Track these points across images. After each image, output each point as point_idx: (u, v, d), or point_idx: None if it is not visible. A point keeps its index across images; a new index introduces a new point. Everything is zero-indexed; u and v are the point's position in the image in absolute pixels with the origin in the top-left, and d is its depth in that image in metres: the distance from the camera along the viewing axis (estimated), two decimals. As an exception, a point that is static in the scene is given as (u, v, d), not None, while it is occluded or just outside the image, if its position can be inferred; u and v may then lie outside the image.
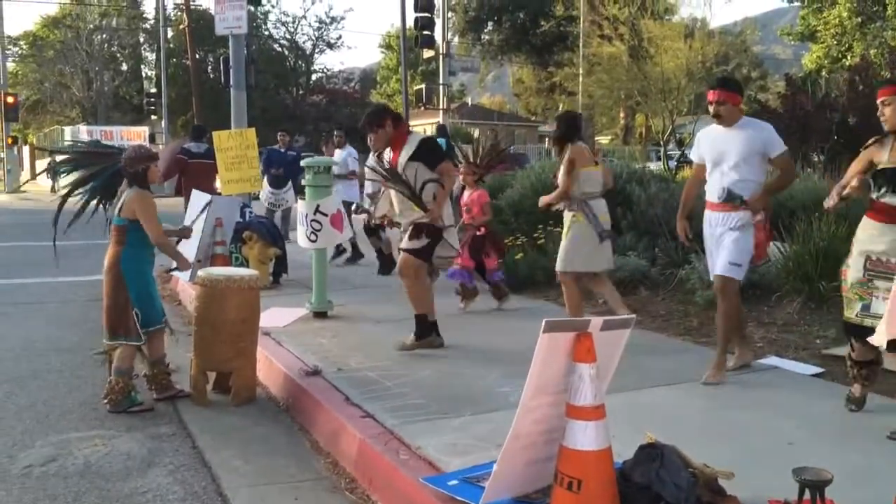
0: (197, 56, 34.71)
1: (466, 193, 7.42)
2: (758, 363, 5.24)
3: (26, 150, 41.14)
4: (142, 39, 48.36)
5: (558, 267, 6.07)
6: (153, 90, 39.65)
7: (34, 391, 5.32)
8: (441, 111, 25.88)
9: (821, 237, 6.45)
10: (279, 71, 44.69)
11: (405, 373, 5.14)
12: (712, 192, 4.97)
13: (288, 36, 47.34)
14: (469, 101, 59.00)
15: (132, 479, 3.89)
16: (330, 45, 48.28)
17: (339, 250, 10.37)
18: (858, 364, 4.27)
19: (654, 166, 19.07)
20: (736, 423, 4.17)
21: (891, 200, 4.09)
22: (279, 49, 47.17)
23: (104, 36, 46.92)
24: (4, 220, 18.95)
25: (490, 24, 46.03)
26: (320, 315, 7.05)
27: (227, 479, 3.90)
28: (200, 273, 5.22)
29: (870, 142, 4.28)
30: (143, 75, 48.61)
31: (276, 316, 6.88)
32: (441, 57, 25.94)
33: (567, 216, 6.08)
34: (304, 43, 47.68)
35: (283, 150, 12.17)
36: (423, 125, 40.61)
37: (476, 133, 31.66)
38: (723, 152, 4.92)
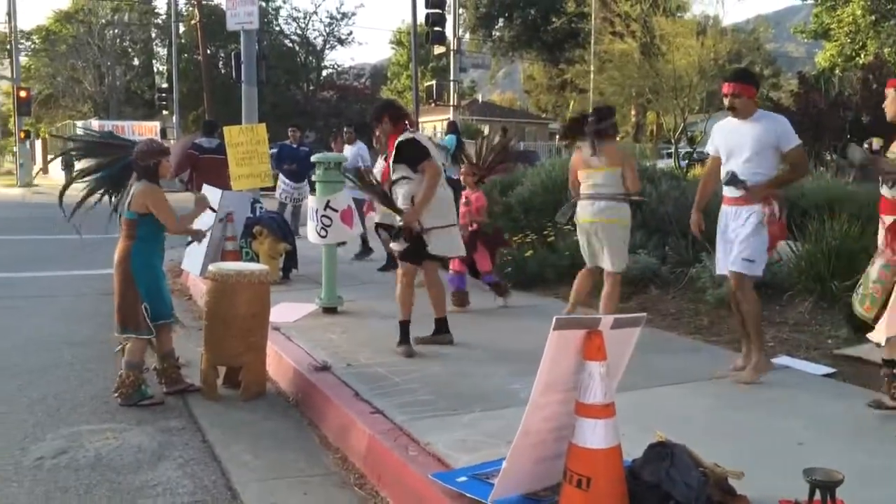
0: (208, 51, 34.78)
1: (466, 193, 7.39)
2: (769, 363, 5.21)
3: (39, 143, 41.36)
4: (153, 34, 48.52)
5: (620, 268, 5.90)
6: (164, 85, 39.81)
7: (46, 384, 5.35)
8: (451, 108, 25.86)
9: (833, 236, 6.42)
10: (290, 67, 44.73)
11: (415, 369, 5.14)
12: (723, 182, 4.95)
13: (299, 31, 47.39)
14: (480, 97, 58.89)
15: (142, 473, 3.91)
16: (341, 41, 48.29)
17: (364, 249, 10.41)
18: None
19: (664, 164, 18.98)
20: (746, 422, 4.15)
21: (883, 192, 4.12)
22: (290, 45, 47.22)
23: (116, 31, 47.11)
24: (17, 214, 19.05)
25: (501, 20, 45.97)
26: (330, 311, 7.06)
27: (236, 474, 3.91)
28: (211, 268, 5.24)
29: None
30: (155, 70, 48.79)
31: (285, 311, 6.89)
32: (452, 53, 25.91)
33: (618, 212, 5.86)
34: (314, 39, 47.73)
35: (294, 145, 12.20)
36: (433, 122, 40.64)
37: (486, 130, 31.62)
38: (737, 145, 4.91)
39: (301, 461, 4.10)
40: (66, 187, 5.50)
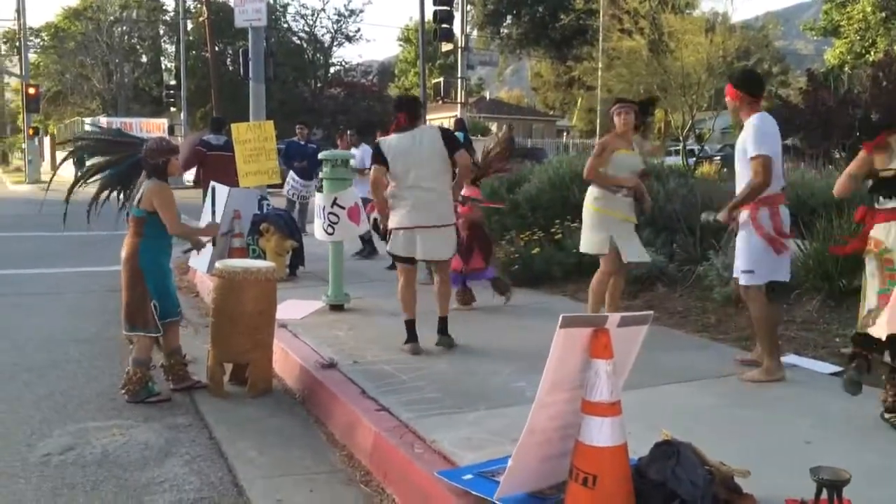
0: (216, 48, 34.87)
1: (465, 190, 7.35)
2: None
3: (47, 140, 41.50)
4: (161, 31, 48.67)
5: (640, 258, 6.02)
6: (172, 82, 39.86)
7: (52, 381, 5.37)
8: (459, 105, 25.85)
9: (841, 235, 6.39)
10: (298, 64, 44.81)
11: (421, 366, 5.14)
12: None
13: (307, 28, 47.46)
14: (487, 95, 58.89)
15: (149, 469, 3.92)
16: (348, 38, 48.35)
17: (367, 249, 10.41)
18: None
19: (671, 161, 18.95)
20: (753, 420, 4.14)
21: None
22: (298, 42, 47.30)
23: (124, 28, 47.27)
24: (26, 211, 19.12)
25: (509, 17, 45.91)
26: (336, 308, 7.06)
27: (242, 471, 3.92)
28: (218, 265, 5.25)
29: None
30: (163, 67, 48.90)
31: (292, 308, 6.90)
32: (459, 50, 25.90)
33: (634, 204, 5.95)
34: (322, 36, 47.79)
35: (302, 142, 12.21)
36: (441, 119, 40.60)
37: (494, 127, 31.59)
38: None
39: (307, 458, 4.10)
40: (74, 185, 5.52)
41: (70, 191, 5.48)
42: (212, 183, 8.07)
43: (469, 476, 3.28)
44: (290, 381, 5.37)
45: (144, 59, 49.19)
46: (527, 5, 43.73)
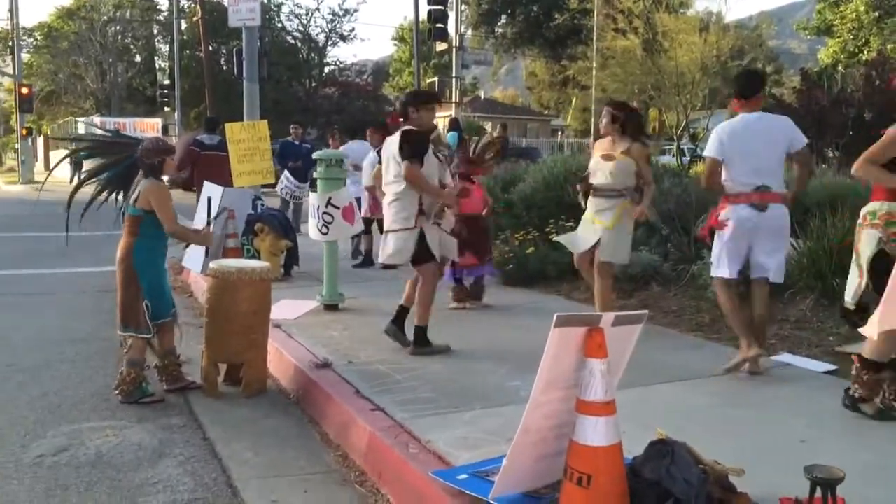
0: (210, 48, 34.75)
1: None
2: (770, 360, 5.21)
3: (41, 140, 41.36)
4: (155, 31, 48.57)
5: (606, 257, 5.87)
6: (166, 82, 39.86)
7: (47, 381, 5.35)
8: (453, 104, 25.85)
9: (835, 234, 6.40)
10: (292, 63, 44.68)
11: (416, 366, 5.14)
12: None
13: (301, 28, 47.32)
14: (482, 94, 58.90)
15: (143, 470, 3.91)
16: (343, 38, 48.23)
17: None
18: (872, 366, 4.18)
19: (665, 160, 18.98)
20: (747, 419, 4.14)
21: None
22: (292, 41, 47.17)
23: (118, 27, 47.13)
24: (19, 211, 19.06)
25: (503, 17, 45.92)
26: (331, 308, 7.06)
27: (237, 471, 3.91)
28: (212, 265, 5.23)
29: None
30: (157, 67, 48.82)
31: (287, 308, 6.89)
32: (454, 50, 25.93)
33: (617, 207, 5.84)
34: (317, 35, 47.65)
35: (296, 142, 12.19)
36: (435, 118, 40.53)
37: (489, 126, 31.58)
38: None
39: (302, 459, 4.09)
40: (76, 190, 5.48)
41: (71, 198, 5.43)
42: (205, 182, 8.04)
43: (464, 476, 3.28)
44: (284, 381, 5.36)
45: (138, 58, 49.02)
46: (521, 5, 43.76)
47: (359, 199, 8.60)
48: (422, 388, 4.68)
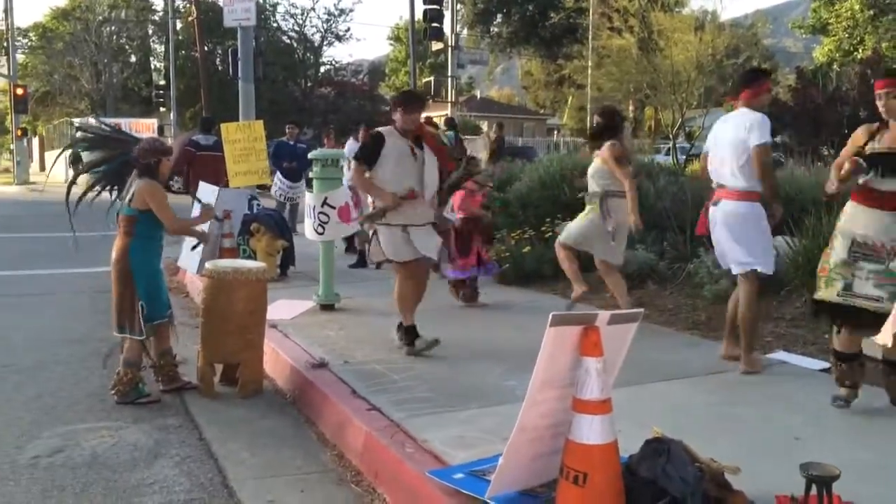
0: (206, 48, 34.68)
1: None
2: (766, 358, 5.22)
3: (36, 141, 41.26)
4: (150, 31, 48.42)
5: (561, 238, 6.28)
6: (162, 82, 39.75)
7: (42, 382, 5.34)
8: (449, 104, 25.87)
9: (830, 232, 6.39)
10: (287, 63, 44.61)
11: (411, 366, 5.14)
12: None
13: (296, 28, 47.22)
14: (478, 93, 58.87)
15: (139, 470, 3.90)
16: (339, 38, 48.12)
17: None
18: (841, 359, 4.22)
19: (661, 159, 19.00)
20: (743, 417, 4.15)
21: (878, 185, 4.12)
22: (287, 41, 47.08)
23: (113, 28, 47.02)
24: (15, 212, 19.03)
25: (499, 16, 45.92)
26: (327, 307, 7.05)
27: (233, 471, 3.90)
28: (208, 265, 5.23)
29: (858, 130, 4.32)
30: (152, 67, 48.65)
31: (283, 308, 6.89)
32: (450, 49, 25.94)
33: (591, 209, 6.18)
34: (312, 35, 47.54)
35: (291, 142, 12.16)
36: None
37: (485, 126, 31.59)
38: None
39: (298, 458, 4.09)
40: (73, 181, 5.48)
41: (68, 191, 5.43)
42: (200, 182, 8.05)
43: (460, 475, 3.28)
44: (280, 381, 5.36)
45: (133, 59, 48.92)
46: (517, 4, 43.75)
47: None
48: (418, 387, 4.68)
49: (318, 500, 3.64)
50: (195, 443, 4.29)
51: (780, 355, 5.30)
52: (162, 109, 39.04)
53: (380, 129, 5.51)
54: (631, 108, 37.49)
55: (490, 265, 7.44)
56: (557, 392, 2.85)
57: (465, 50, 31.32)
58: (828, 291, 4.19)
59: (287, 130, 12.40)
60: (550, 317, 2.70)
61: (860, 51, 27.23)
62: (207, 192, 7.68)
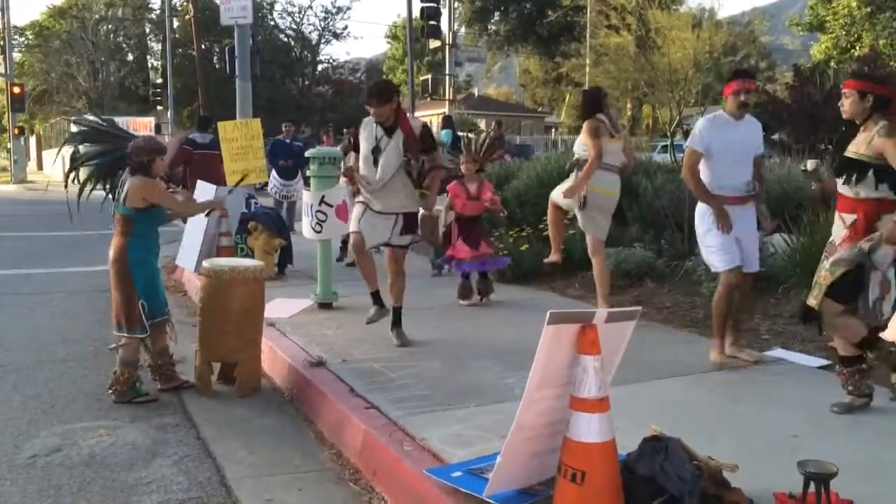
0: (203, 46, 34.64)
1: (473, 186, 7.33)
2: (764, 355, 5.23)
3: (33, 140, 41.18)
4: (147, 30, 48.38)
5: (552, 194, 6.63)
6: (159, 80, 39.73)
7: (40, 381, 5.33)
8: (447, 102, 25.85)
9: (828, 229, 6.40)
10: (285, 61, 44.56)
11: (410, 364, 5.13)
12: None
13: (294, 26, 47.17)
14: (475, 91, 58.83)
15: (136, 470, 3.90)
16: (336, 36, 48.07)
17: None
18: (846, 363, 4.20)
19: (658, 157, 19.00)
20: (741, 415, 4.15)
21: (840, 189, 4.25)
22: (285, 39, 47.02)
23: (110, 26, 46.97)
24: (12, 211, 19.00)
25: (497, 14, 45.90)
26: (325, 306, 7.05)
27: (231, 470, 3.90)
28: (205, 264, 5.22)
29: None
30: (149, 66, 48.65)
31: (280, 307, 6.88)
32: (447, 47, 25.91)
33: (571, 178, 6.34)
34: (309, 33, 47.49)
35: (288, 140, 12.16)
36: (429, 116, 40.63)
37: (482, 123, 31.60)
38: None
39: (296, 457, 4.09)
40: (70, 171, 5.48)
41: (66, 176, 5.45)
42: (198, 181, 8.04)
43: (458, 473, 3.28)
44: (278, 380, 5.35)
45: (130, 57, 48.86)
46: (514, 2, 43.73)
47: None
48: (416, 385, 4.68)
49: (317, 499, 3.64)
50: (193, 442, 4.29)
51: (778, 353, 5.30)
52: (159, 108, 38.97)
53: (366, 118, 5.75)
54: (629, 106, 37.53)
55: (501, 258, 7.51)
56: (555, 390, 2.85)
57: (463, 48, 31.29)
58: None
59: (283, 128, 12.39)
60: (548, 315, 2.70)
61: (857, 48, 27.27)
62: (205, 191, 7.68)
